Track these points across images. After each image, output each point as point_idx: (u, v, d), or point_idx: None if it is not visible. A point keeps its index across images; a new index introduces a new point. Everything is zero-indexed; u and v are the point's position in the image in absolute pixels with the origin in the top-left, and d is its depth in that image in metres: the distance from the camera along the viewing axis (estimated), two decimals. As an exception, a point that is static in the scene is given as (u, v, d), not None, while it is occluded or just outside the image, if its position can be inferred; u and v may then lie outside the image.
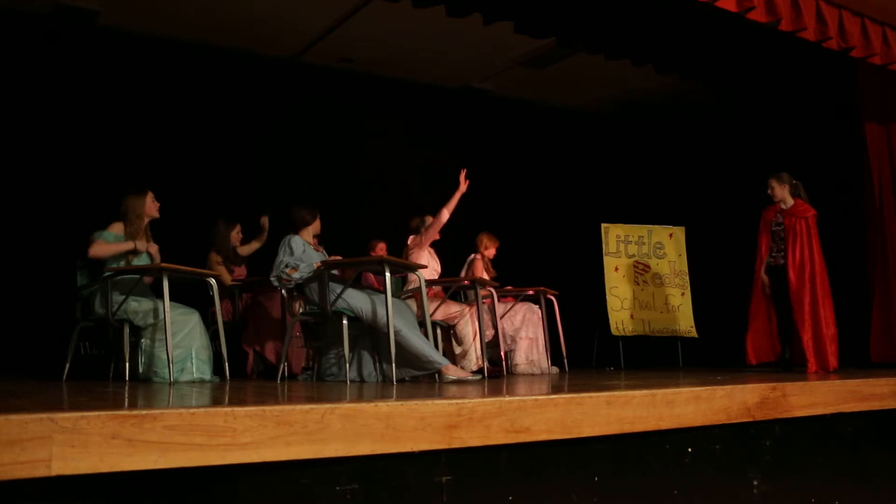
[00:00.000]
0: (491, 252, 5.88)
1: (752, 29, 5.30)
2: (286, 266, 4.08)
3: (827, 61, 6.02)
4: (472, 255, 5.89)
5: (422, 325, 4.27)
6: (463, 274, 5.80)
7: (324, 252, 4.40)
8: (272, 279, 4.16)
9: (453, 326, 5.02)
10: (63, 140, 5.93)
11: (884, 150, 6.22)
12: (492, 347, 5.18)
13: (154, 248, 4.27)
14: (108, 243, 4.06)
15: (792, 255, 5.26)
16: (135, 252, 4.15)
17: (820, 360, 5.17)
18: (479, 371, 4.75)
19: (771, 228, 5.44)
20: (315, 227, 4.41)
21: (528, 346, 5.63)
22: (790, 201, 5.39)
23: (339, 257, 4.38)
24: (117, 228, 4.18)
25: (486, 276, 5.52)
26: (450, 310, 5.01)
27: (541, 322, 5.71)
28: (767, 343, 5.55)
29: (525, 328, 5.67)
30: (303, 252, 4.20)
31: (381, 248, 5.97)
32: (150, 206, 4.30)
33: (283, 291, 4.42)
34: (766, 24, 4.87)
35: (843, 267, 5.90)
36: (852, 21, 5.22)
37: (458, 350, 5.04)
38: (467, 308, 5.05)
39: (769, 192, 5.42)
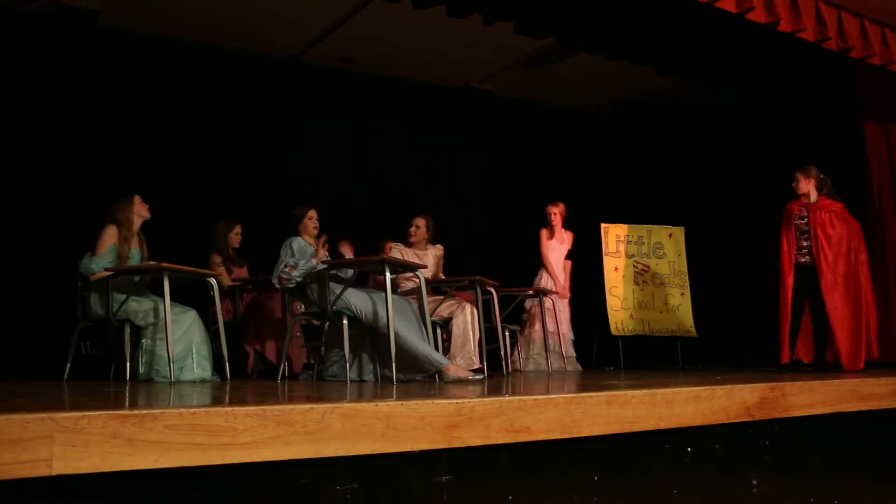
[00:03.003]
0: (557, 219, 6.26)
1: (751, 29, 5.30)
2: (285, 266, 4.11)
3: (827, 61, 6.03)
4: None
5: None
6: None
7: (326, 254, 4.40)
8: (274, 281, 4.19)
9: (450, 320, 4.98)
10: (63, 140, 5.93)
11: (883, 150, 6.22)
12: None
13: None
14: (106, 269, 4.08)
15: (821, 253, 5.14)
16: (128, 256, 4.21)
17: (855, 357, 5.13)
18: (479, 370, 4.74)
19: (794, 222, 5.29)
20: (307, 224, 4.43)
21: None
22: (815, 196, 5.26)
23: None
24: (110, 233, 4.19)
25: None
26: (449, 302, 4.98)
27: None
28: (809, 342, 5.45)
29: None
30: (303, 253, 4.23)
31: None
32: (139, 208, 4.32)
33: (283, 292, 4.45)
34: (766, 25, 4.88)
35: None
36: (851, 22, 5.22)
37: (453, 350, 4.99)
38: (461, 303, 5.01)
39: (793, 185, 5.29)
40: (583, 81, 7.51)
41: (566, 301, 6.25)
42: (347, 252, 5.19)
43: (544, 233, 6.32)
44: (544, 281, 6.21)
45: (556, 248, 6.28)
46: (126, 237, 4.22)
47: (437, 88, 7.71)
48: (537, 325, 6.07)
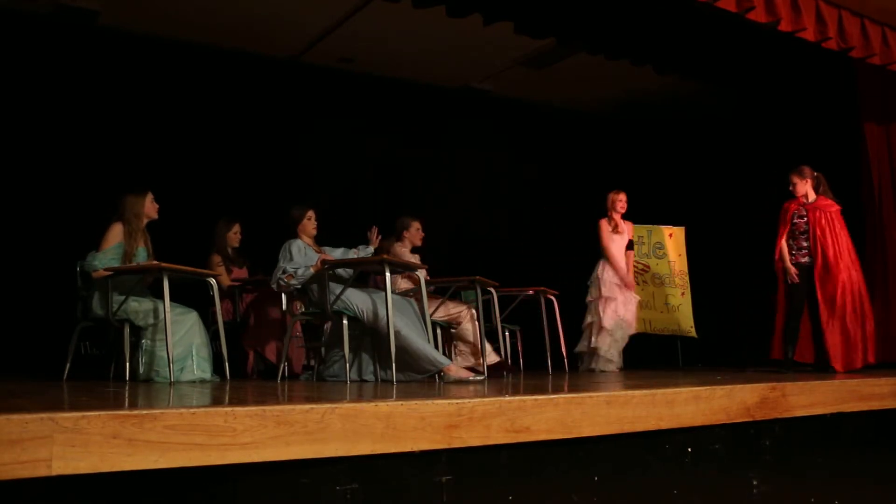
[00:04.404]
0: (624, 208, 6.11)
1: (752, 29, 5.30)
2: (283, 273, 4.11)
3: (827, 61, 6.02)
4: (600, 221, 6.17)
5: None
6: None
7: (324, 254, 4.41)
8: (273, 286, 4.20)
9: (456, 326, 5.02)
10: (63, 140, 5.93)
11: (883, 150, 6.22)
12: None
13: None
14: (106, 268, 4.06)
15: (819, 252, 5.13)
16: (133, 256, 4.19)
17: (848, 359, 5.12)
18: (480, 370, 4.75)
19: (792, 221, 5.29)
20: (306, 225, 4.43)
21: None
22: (813, 195, 5.27)
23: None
24: (115, 231, 4.18)
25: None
26: (450, 310, 5.01)
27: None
28: (809, 342, 5.40)
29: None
30: (303, 255, 4.22)
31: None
32: (150, 207, 4.31)
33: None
34: (766, 25, 4.87)
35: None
36: (851, 21, 5.22)
37: (463, 348, 5.04)
38: (466, 308, 5.05)
39: (790, 188, 5.30)
40: (583, 81, 7.51)
41: (633, 295, 6.12)
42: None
43: (604, 224, 6.13)
44: (606, 274, 6.00)
45: (618, 239, 6.12)
46: (132, 234, 4.20)
47: (437, 88, 7.70)
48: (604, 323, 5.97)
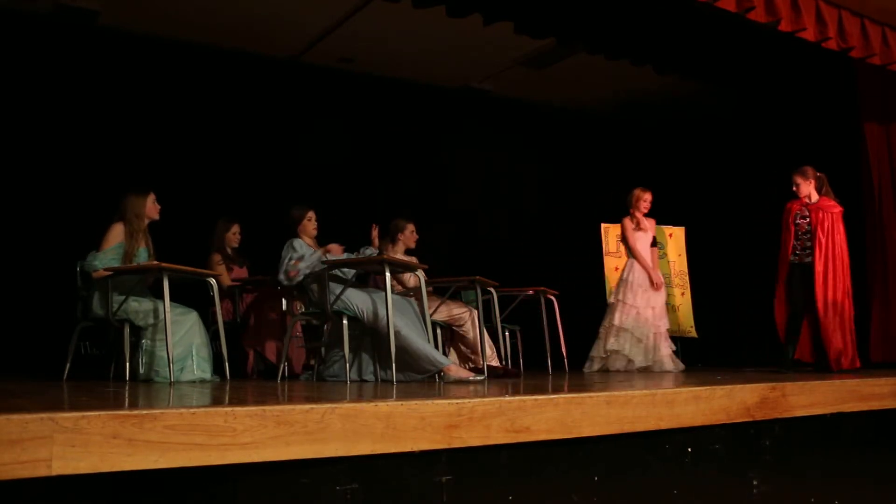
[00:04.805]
0: (648, 207, 6.04)
1: (751, 29, 5.30)
2: (290, 259, 4.12)
3: (827, 61, 6.02)
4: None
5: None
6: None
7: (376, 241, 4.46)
8: (280, 277, 4.19)
9: (460, 327, 5.02)
10: (63, 140, 5.93)
11: (883, 150, 6.22)
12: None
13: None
14: (105, 268, 4.06)
15: (820, 253, 5.14)
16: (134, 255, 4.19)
17: (846, 360, 5.15)
18: (480, 370, 4.75)
19: (795, 221, 5.29)
20: (306, 226, 4.45)
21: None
22: (816, 196, 5.27)
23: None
24: (116, 231, 4.18)
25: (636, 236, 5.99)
26: (452, 312, 5.00)
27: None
28: (809, 342, 5.42)
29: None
30: (306, 251, 4.25)
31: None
32: (151, 208, 4.31)
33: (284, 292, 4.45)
34: (766, 25, 4.88)
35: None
36: (852, 21, 5.22)
37: (465, 350, 5.04)
38: (468, 312, 5.05)
39: (794, 188, 5.29)
40: (583, 81, 7.51)
41: (661, 293, 6.06)
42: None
43: (627, 222, 6.10)
44: (632, 275, 5.97)
45: (642, 236, 6.09)
46: (133, 234, 4.20)
47: (437, 88, 7.70)
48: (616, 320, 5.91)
